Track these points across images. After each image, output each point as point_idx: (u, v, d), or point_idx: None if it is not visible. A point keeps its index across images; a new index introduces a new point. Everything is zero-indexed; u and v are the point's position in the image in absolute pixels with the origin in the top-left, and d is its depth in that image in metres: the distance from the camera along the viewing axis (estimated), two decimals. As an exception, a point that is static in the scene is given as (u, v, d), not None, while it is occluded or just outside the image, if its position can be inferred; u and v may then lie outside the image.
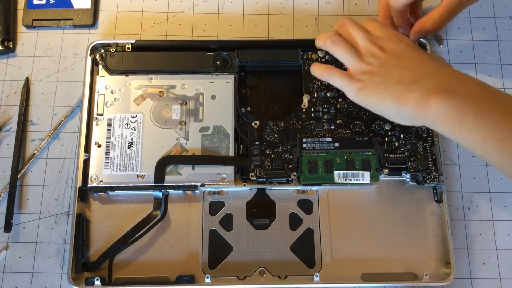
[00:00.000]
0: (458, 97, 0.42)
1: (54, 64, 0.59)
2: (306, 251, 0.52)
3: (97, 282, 0.49)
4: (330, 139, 0.52)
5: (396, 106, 0.45)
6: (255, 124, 0.54)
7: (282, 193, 0.53)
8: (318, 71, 0.51)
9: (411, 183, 0.54)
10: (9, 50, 0.59)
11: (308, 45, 0.57)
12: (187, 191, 0.53)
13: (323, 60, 0.56)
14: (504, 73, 0.59)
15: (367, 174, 0.51)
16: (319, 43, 0.51)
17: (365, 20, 0.51)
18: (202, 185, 0.52)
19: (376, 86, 0.46)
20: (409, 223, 0.53)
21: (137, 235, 0.51)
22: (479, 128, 0.41)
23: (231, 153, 0.52)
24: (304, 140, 0.52)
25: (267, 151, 0.52)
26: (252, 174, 0.52)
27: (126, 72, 0.55)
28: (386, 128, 0.53)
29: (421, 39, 0.57)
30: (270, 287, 0.51)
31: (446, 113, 0.42)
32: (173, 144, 0.53)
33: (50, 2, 0.61)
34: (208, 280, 0.50)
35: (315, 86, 0.55)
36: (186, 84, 0.55)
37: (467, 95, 0.43)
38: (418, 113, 0.44)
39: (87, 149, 0.53)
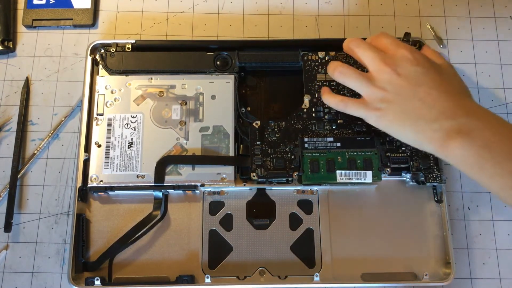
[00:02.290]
0: (477, 143, 0.43)
1: (54, 64, 0.59)
2: (306, 251, 0.52)
3: (97, 282, 0.49)
4: (331, 139, 0.52)
5: (417, 141, 0.46)
6: (256, 124, 0.54)
7: (282, 193, 0.53)
8: (334, 103, 0.50)
9: (411, 183, 0.54)
10: (9, 50, 0.59)
11: (308, 45, 0.57)
12: (187, 191, 0.53)
13: (324, 61, 0.56)
14: (504, 73, 0.59)
15: (369, 173, 0.51)
16: (329, 74, 0.50)
17: (376, 34, 0.50)
18: (202, 185, 0.52)
19: (396, 117, 0.46)
20: (409, 223, 0.53)
21: (137, 235, 0.51)
22: (497, 175, 0.42)
23: (231, 153, 0.52)
24: (306, 140, 0.52)
25: (269, 151, 0.52)
26: (254, 174, 0.52)
27: (126, 72, 0.55)
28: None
29: (420, 40, 0.57)
30: (270, 287, 0.51)
31: (465, 158, 0.43)
32: (173, 144, 0.53)
33: (50, 2, 0.61)
34: (208, 280, 0.50)
35: (316, 86, 0.55)
36: (186, 84, 0.55)
37: (486, 141, 0.43)
38: (439, 152, 0.45)
39: (87, 149, 0.53)
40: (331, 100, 0.50)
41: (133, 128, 0.53)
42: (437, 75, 0.47)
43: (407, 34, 0.55)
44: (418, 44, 0.57)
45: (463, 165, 0.44)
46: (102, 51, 0.56)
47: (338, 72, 0.49)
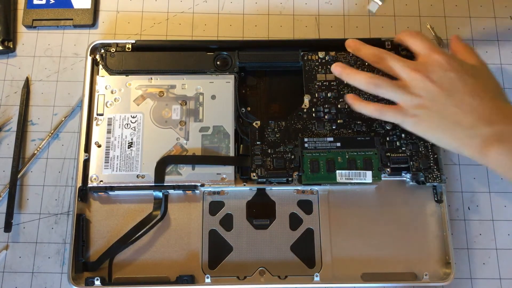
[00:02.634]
0: None
1: (54, 64, 0.59)
2: (306, 251, 0.52)
3: (97, 282, 0.49)
4: (331, 139, 0.52)
5: (455, 147, 0.46)
6: (256, 124, 0.54)
7: (282, 193, 0.53)
8: (368, 111, 0.49)
9: (411, 183, 0.54)
10: (9, 50, 0.59)
11: (308, 45, 0.57)
12: (187, 191, 0.53)
13: (324, 61, 0.56)
14: (504, 73, 0.59)
15: (369, 173, 0.51)
16: (361, 87, 0.49)
17: (403, 32, 0.49)
18: (202, 185, 0.52)
19: (433, 123, 0.46)
20: (409, 223, 0.53)
21: (137, 235, 0.51)
22: None
23: (231, 153, 0.52)
24: (306, 139, 0.52)
25: (269, 151, 0.52)
26: (254, 174, 0.52)
27: (126, 72, 0.55)
28: (387, 127, 0.53)
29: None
30: (270, 287, 0.51)
31: (504, 164, 0.43)
32: (173, 144, 0.53)
33: (50, 2, 0.61)
34: (208, 280, 0.50)
35: (316, 86, 0.55)
36: (186, 84, 0.55)
37: None
38: (478, 158, 0.45)
39: (87, 149, 0.53)
40: (366, 108, 0.49)
41: (133, 128, 0.53)
42: (471, 78, 0.46)
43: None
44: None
45: (503, 171, 0.44)
46: (102, 51, 0.56)
47: (372, 85, 0.48)
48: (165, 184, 0.51)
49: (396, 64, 0.48)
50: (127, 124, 0.53)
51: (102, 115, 0.53)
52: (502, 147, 0.43)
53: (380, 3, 0.55)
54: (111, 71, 0.55)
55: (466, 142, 0.45)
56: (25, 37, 0.60)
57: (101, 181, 0.51)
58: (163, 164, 0.52)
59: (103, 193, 0.53)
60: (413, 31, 0.50)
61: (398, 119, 0.48)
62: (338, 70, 0.51)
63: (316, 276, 0.50)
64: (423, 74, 0.46)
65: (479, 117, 0.45)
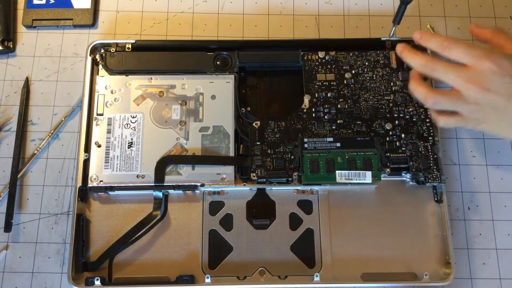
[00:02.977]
0: None
1: (54, 64, 0.59)
2: (306, 251, 0.52)
3: (97, 282, 0.49)
4: (331, 139, 0.52)
5: None
6: (256, 124, 0.54)
7: (282, 193, 0.53)
8: (442, 123, 0.49)
9: (411, 183, 0.54)
10: (9, 50, 0.59)
11: (308, 45, 0.57)
12: (187, 191, 0.53)
13: (324, 60, 0.56)
14: (504, 73, 0.59)
15: (369, 173, 0.51)
16: (422, 101, 0.48)
17: (444, 38, 0.46)
18: (202, 185, 0.52)
19: (495, 125, 0.47)
20: (409, 223, 0.53)
21: (137, 235, 0.51)
22: None
23: (231, 153, 0.52)
24: (306, 140, 0.52)
25: (269, 151, 0.52)
26: (254, 174, 0.52)
27: (126, 72, 0.55)
28: (387, 128, 0.53)
29: None
30: (270, 287, 0.51)
31: None
32: (173, 144, 0.53)
33: (50, 2, 0.61)
34: (208, 280, 0.50)
35: (316, 86, 0.55)
36: (186, 84, 0.55)
37: None
38: None
39: (87, 149, 0.53)
40: (440, 121, 0.49)
41: (133, 128, 0.53)
42: None
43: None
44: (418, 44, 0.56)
45: None
46: (102, 51, 0.56)
47: (431, 101, 0.47)
48: (165, 184, 0.51)
49: (446, 76, 0.46)
50: (127, 124, 0.53)
51: (102, 115, 0.53)
52: None
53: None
54: (111, 71, 0.55)
55: None
56: (25, 37, 0.60)
57: (101, 181, 0.51)
58: (163, 164, 0.52)
59: (103, 193, 0.53)
60: (442, 38, 0.47)
61: (460, 125, 0.48)
62: (399, 49, 0.50)
63: (316, 276, 0.50)
64: (478, 86, 0.44)
65: None
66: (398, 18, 0.51)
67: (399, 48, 0.50)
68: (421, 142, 0.53)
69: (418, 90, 0.48)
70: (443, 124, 0.49)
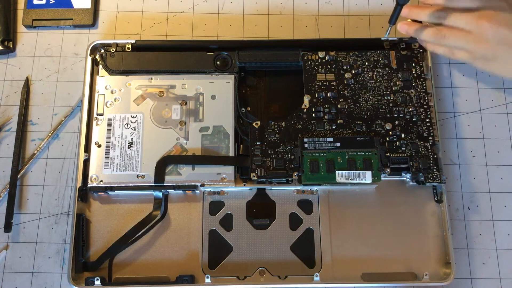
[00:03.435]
0: None
1: (54, 64, 0.59)
2: (306, 251, 0.52)
3: (97, 282, 0.49)
4: (331, 139, 0.52)
5: None
6: (256, 124, 0.54)
7: (282, 193, 0.53)
8: (441, 52, 0.51)
9: (411, 183, 0.54)
10: (9, 50, 0.59)
11: (308, 45, 0.57)
12: (187, 191, 0.53)
13: (324, 60, 0.56)
14: (504, 73, 0.59)
15: (369, 173, 0.51)
16: (434, 38, 0.51)
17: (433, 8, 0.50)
18: (202, 185, 0.52)
19: (504, 63, 0.48)
20: (409, 223, 0.53)
21: (137, 235, 0.51)
22: None
23: (231, 153, 0.52)
24: (306, 140, 0.52)
25: (269, 151, 0.52)
26: (254, 174, 0.52)
27: (126, 72, 0.55)
28: (387, 128, 0.53)
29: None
30: (270, 287, 0.51)
31: None
32: (173, 144, 0.53)
33: (50, 2, 0.61)
34: (208, 280, 0.50)
35: (316, 86, 0.55)
36: (186, 84, 0.55)
37: None
38: None
39: (87, 149, 0.53)
40: (449, 55, 0.52)
41: (133, 128, 0.53)
42: None
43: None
44: (418, 44, 0.57)
45: None
46: (102, 51, 0.56)
47: (439, 36, 0.50)
48: (165, 184, 0.51)
49: (460, 21, 0.48)
50: (127, 124, 0.53)
51: (102, 115, 0.53)
52: None
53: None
54: (111, 71, 0.55)
55: None
56: (25, 37, 0.60)
57: (101, 181, 0.51)
58: (163, 164, 0.52)
59: (103, 193, 0.53)
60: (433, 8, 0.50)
61: (468, 61, 0.50)
62: (404, 28, 0.52)
63: (316, 276, 0.50)
64: (490, 20, 0.47)
65: None
66: (394, 18, 0.51)
67: (403, 29, 0.52)
68: (421, 142, 0.53)
69: (429, 31, 0.51)
70: (457, 56, 0.50)
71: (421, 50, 0.57)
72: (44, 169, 0.55)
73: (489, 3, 0.48)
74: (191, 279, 0.50)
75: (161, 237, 0.52)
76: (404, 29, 0.52)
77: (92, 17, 0.60)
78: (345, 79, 0.55)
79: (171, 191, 0.53)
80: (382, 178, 0.52)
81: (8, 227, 0.53)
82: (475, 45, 0.48)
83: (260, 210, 0.53)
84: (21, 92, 0.58)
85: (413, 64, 0.56)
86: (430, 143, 0.53)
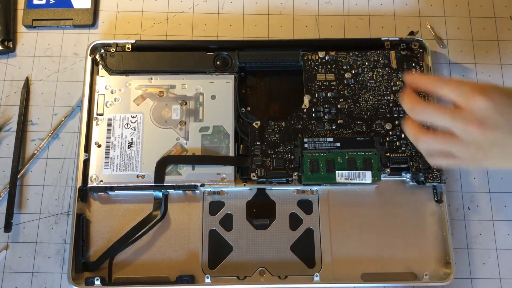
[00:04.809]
0: None
1: (54, 64, 0.59)
2: (306, 251, 0.52)
3: (97, 282, 0.49)
4: (331, 139, 0.52)
5: None
6: (256, 124, 0.54)
7: (282, 193, 0.53)
8: (436, 165, 0.49)
9: (411, 183, 0.54)
10: (9, 50, 0.59)
11: (308, 45, 0.57)
12: (187, 191, 0.53)
13: (324, 60, 0.56)
14: (504, 73, 0.59)
15: (368, 173, 0.51)
16: (413, 143, 0.45)
17: (432, 79, 0.45)
18: (202, 185, 0.52)
19: (497, 161, 0.44)
20: (409, 223, 0.53)
21: (137, 235, 0.51)
22: None
23: (231, 153, 0.52)
24: (306, 140, 0.52)
25: (269, 151, 0.52)
26: (254, 174, 0.52)
27: (126, 72, 0.55)
28: (387, 128, 0.53)
29: (420, 39, 0.57)
30: (270, 287, 0.51)
31: None
32: (173, 144, 0.53)
33: (50, 2, 0.61)
34: (208, 280, 0.50)
35: (316, 86, 0.55)
36: (186, 84, 0.55)
37: None
38: None
39: (87, 149, 0.53)
40: (435, 162, 0.46)
41: (133, 128, 0.53)
42: None
43: (412, 33, 0.55)
44: (418, 44, 0.57)
45: None
46: (102, 51, 0.56)
47: (423, 145, 0.44)
48: (165, 184, 0.51)
49: (443, 121, 0.43)
50: (127, 124, 0.53)
51: (102, 115, 0.53)
52: None
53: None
54: (111, 71, 0.55)
55: None
56: (25, 37, 0.60)
57: (101, 181, 0.51)
58: (163, 164, 0.52)
59: (103, 193, 0.53)
60: (432, 78, 0.45)
61: (456, 166, 0.48)
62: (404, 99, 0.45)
63: (316, 276, 0.50)
64: (476, 126, 0.41)
65: None
66: None
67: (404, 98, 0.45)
68: (421, 142, 0.53)
69: (408, 131, 0.44)
70: (438, 165, 0.48)
71: (421, 50, 0.57)
72: (44, 169, 0.55)
73: (475, 99, 0.41)
74: (191, 279, 0.50)
75: (161, 237, 0.52)
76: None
77: (92, 17, 0.60)
78: (345, 79, 0.55)
79: (171, 191, 0.53)
80: (382, 178, 0.52)
81: (8, 227, 0.53)
82: (461, 148, 0.43)
83: (260, 210, 0.53)
84: (21, 92, 0.57)
85: (413, 64, 0.56)
86: (430, 143, 0.53)
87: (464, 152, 0.43)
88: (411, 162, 0.52)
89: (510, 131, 0.42)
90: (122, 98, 0.54)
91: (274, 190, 0.53)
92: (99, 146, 0.52)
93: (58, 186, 0.55)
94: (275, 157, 0.52)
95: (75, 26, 0.60)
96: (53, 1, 0.61)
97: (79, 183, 0.52)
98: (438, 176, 0.52)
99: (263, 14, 0.62)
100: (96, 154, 0.52)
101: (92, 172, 0.52)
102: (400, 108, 0.54)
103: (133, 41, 0.57)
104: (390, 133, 0.53)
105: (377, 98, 0.55)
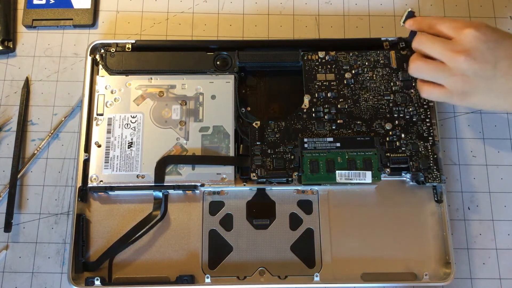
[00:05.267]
0: None
1: (54, 64, 0.59)
2: (306, 251, 0.52)
3: (97, 282, 0.49)
4: (331, 139, 0.52)
5: (506, 108, 0.48)
6: (256, 124, 0.54)
7: (282, 193, 0.53)
8: (425, 94, 0.49)
9: (411, 183, 0.54)
10: (9, 50, 0.59)
11: (308, 45, 0.57)
12: (187, 191, 0.53)
13: (324, 60, 0.56)
14: (504, 73, 0.59)
15: (368, 173, 0.51)
16: (410, 72, 0.49)
17: (432, 18, 0.47)
18: (202, 185, 0.52)
19: (482, 97, 0.46)
20: (409, 223, 0.53)
21: (137, 235, 0.51)
22: None
23: (231, 153, 0.52)
24: (306, 140, 0.52)
25: (269, 151, 0.52)
26: (254, 174, 0.52)
27: (126, 72, 0.55)
28: (387, 128, 0.53)
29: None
30: (270, 287, 0.51)
31: None
32: (173, 144, 0.53)
33: (50, 2, 0.61)
34: (208, 280, 0.50)
35: (316, 86, 0.55)
36: (186, 84, 0.55)
37: None
38: None
39: (87, 149, 0.53)
40: (422, 90, 0.49)
41: (133, 128, 0.53)
42: (507, 39, 0.45)
43: (412, 33, 0.55)
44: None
45: None
46: (102, 51, 0.56)
47: (413, 67, 0.48)
48: (165, 184, 0.51)
49: (432, 50, 0.46)
50: (127, 124, 0.53)
51: (102, 115, 0.53)
52: None
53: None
54: (111, 71, 0.55)
55: None
56: (25, 37, 0.60)
57: (101, 181, 0.51)
58: (163, 164, 0.52)
59: (103, 193, 0.53)
60: (431, 18, 0.48)
61: (445, 99, 0.48)
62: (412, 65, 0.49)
63: (316, 276, 0.50)
64: (464, 55, 0.45)
65: None
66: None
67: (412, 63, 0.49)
68: (421, 142, 0.53)
69: (410, 59, 0.48)
70: (427, 94, 0.48)
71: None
72: (44, 169, 0.55)
73: (465, 30, 0.45)
74: (191, 279, 0.50)
75: (161, 237, 0.52)
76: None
77: (92, 17, 0.60)
78: (345, 79, 0.55)
79: (171, 191, 0.53)
80: (382, 178, 0.52)
81: (8, 227, 0.53)
82: (449, 78, 0.46)
83: (260, 210, 0.53)
84: (21, 92, 0.57)
85: (413, 64, 0.56)
86: (430, 143, 0.53)
87: (451, 82, 0.46)
88: (411, 162, 0.52)
89: (495, 66, 0.45)
90: (122, 98, 0.54)
91: (274, 190, 0.53)
92: (99, 146, 0.52)
93: (58, 186, 0.55)
94: (275, 157, 0.52)
95: (75, 26, 0.60)
96: (53, 1, 0.61)
97: (79, 183, 0.52)
98: (438, 176, 0.52)
99: (263, 14, 0.62)
100: (96, 154, 0.52)
101: (92, 172, 0.52)
102: (400, 108, 0.54)
103: (133, 41, 0.57)
104: (390, 133, 0.53)
105: (377, 98, 0.55)
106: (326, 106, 0.54)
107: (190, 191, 0.53)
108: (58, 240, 0.53)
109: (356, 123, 0.54)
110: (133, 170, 0.52)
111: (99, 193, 0.53)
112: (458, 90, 0.46)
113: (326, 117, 0.54)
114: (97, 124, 0.53)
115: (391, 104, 0.54)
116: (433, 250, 0.52)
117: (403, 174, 0.53)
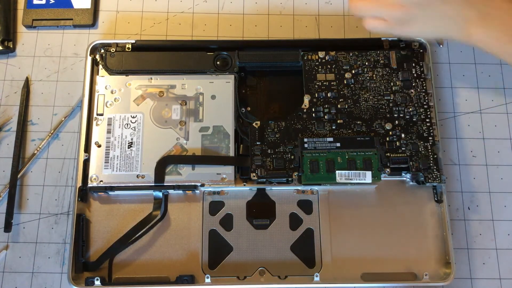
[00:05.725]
0: (497, 28, 0.46)
1: (54, 64, 0.59)
2: (306, 251, 0.52)
3: (97, 282, 0.49)
4: (331, 139, 0.52)
5: (442, 34, 0.51)
6: (256, 124, 0.54)
7: (282, 193, 0.53)
8: (369, 27, 0.50)
9: (411, 183, 0.54)
10: (9, 50, 0.59)
11: (308, 45, 0.57)
12: (187, 191, 0.53)
13: (324, 60, 0.56)
14: (504, 73, 0.59)
15: (368, 173, 0.51)
16: (351, 12, 0.51)
17: None
18: (202, 185, 0.52)
19: (420, 24, 0.48)
20: (409, 223, 0.53)
21: (137, 235, 0.51)
22: None
23: (231, 153, 0.52)
24: (306, 140, 0.52)
25: (269, 151, 0.52)
26: (254, 174, 0.52)
27: (126, 72, 0.55)
28: (387, 128, 0.53)
29: (421, 39, 0.57)
30: (270, 287, 0.51)
31: (486, 40, 0.47)
32: (173, 144, 0.53)
33: (50, 2, 0.61)
34: (208, 280, 0.50)
35: (316, 86, 0.55)
36: (186, 84, 0.55)
37: (506, 25, 0.46)
38: (465, 41, 0.48)
39: (87, 149, 0.53)
40: (368, 25, 0.50)
41: (133, 128, 0.53)
42: None
43: None
44: (418, 44, 0.57)
45: (487, 47, 0.47)
46: (102, 51, 0.56)
47: (352, 5, 0.49)
48: (165, 184, 0.51)
49: None
50: (127, 124, 0.53)
51: (102, 115, 0.53)
52: (483, 24, 0.46)
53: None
54: (111, 71, 0.55)
55: (453, 28, 0.48)
56: (25, 37, 0.60)
57: (101, 181, 0.51)
58: (163, 164, 0.52)
59: (103, 193, 0.53)
60: None
61: (385, 31, 0.49)
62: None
63: (316, 276, 0.50)
64: None
65: (461, 3, 0.46)
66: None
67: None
68: (421, 142, 0.53)
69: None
70: (371, 27, 0.50)
71: (421, 50, 0.57)
72: (44, 169, 0.55)
73: None
74: (191, 279, 0.50)
75: (161, 237, 0.52)
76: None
77: (92, 17, 0.60)
78: (345, 79, 0.55)
79: (171, 191, 0.53)
80: (382, 178, 0.52)
81: (8, 227, 0.53)
82: (388, 11, 0.48)
83: (260, 210, 0.53)
84: (21, 92, 0.58)
85: (413, 64, 0.56)
86: (430, 143, 0.53)
87: (389, 13, 0.48)
88: (411, 162, 0.52)
89: None
90: (122, 98, 0.54)
91: (274, 190, 0.53)
92: (99, 146, 0.52)
93: (58, 186, 0.55)
94: (275, 157, 0.52)
95: (75, 26, 0.60)
96: (53, 1, 0.61)
97: (79, 183, 0.52)
98: (438, 176, 0.52)
99: (263, 14, 0.62)
100: (96, 154, 0.52)
101: (92, 172, 0.52)
102: (400, 108, 0.54)
103: (133, 41, 0.57)
104: (390, 133, 0.53)
105: (377, 98, 0.55)
106: (326, 106, 0.54)
107: (190, 191, 0.53)
108: (58, 240, 0.53)
109: (356, 123, 0.54)
110: (133, 170, 0.52)
111: (99, 193, 0.53)
112: (397, 19, 0.48)
113: (326, 117, 0.54)
114: (97, 124, 0.53)
115: (391, 104, 0.54)
116: (433, 250, 0.52)
117: (403, 174, 0.53)
